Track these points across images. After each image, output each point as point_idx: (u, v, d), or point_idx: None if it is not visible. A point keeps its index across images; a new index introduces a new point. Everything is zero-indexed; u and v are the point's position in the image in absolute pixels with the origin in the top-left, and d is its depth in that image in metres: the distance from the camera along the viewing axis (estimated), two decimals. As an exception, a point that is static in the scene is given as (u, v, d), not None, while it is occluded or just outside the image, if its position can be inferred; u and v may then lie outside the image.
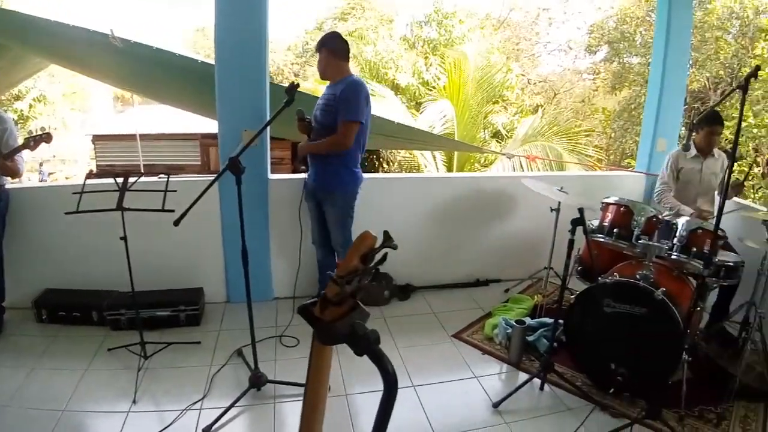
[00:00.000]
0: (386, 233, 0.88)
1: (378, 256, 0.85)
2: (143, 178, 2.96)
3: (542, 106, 12.69)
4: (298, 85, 2.49)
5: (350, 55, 3.21)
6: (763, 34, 5.26)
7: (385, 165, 10.76)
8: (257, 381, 2.68)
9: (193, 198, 2.32)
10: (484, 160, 9.54)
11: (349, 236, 3.25)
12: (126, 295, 2.96)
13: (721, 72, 9.76)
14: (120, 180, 2.79)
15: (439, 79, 9.98)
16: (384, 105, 9.20)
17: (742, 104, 2.22)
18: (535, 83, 14.85)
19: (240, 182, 2.42)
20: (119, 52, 3.69)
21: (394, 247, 0.87)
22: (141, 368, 2.83)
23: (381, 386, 2.70)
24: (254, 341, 2.71)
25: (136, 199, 2.74)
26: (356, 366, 2.96)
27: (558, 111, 12.98)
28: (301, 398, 2.74)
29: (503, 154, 8.33)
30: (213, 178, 2.47)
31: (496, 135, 11.11)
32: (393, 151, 10.45)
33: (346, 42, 3.17)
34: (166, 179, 2.81)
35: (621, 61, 12.46)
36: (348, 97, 2.95)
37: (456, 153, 9.37)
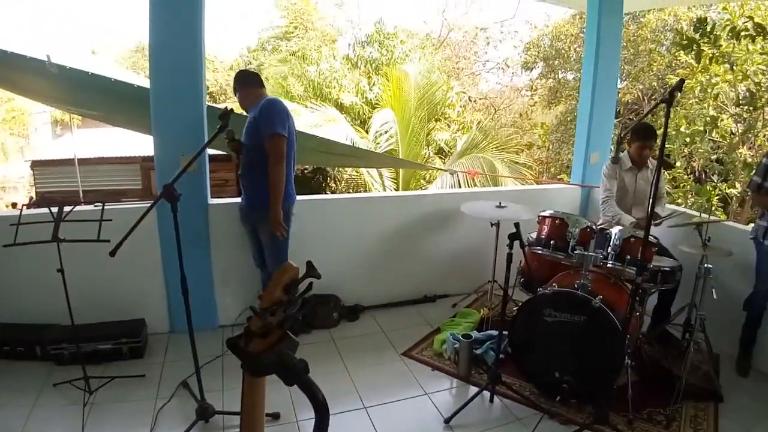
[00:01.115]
0: (309, 263, 0.88)
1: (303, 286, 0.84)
2: (79, 207, 2.86)
3: (481, 122, 13.01)
4: (232, 110, 2.47)
5: (262, 80, 3.35)
6: (692, 44, 5.60)
7: (332, 184, 10.76)
8: (204, 413, 2.60)
9: (131, 226, 2.25)
10: (429, 177, 9.69)
11: (284, 258, 3.19)
12: (68, 329, 2.85)
13: (655, 83, 10.27)
14: (55, 210, 2.69)
15: (381, 99, 10.12)
16: (332, 125, 9.25)
17: (667, 117, 2.34)
18: (475, 100, 15.25)
19: (176, 210, 2.36)
20: (57, 78, 3.62)
21: (318, 277, 0.87)
22: (87, 403, 2.72)
23: (334, 410, 2.67)
24: (199, 372, 2.63)
25: (73, 229, 2.64)
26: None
27: (495, 125, 13.38)
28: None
29: (446, 170, 8.50)
30: (149, 205, 2.40)
31: (440, 152, 11.32)
32: (340, 169, 10.47)
33: (254, 73, 3.45)
34: (101, 208, 2.72)
35: (556, 77, 12.99)
36: (265, 114, 3.00)
37: (402, 170, 9.49)
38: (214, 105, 3.77)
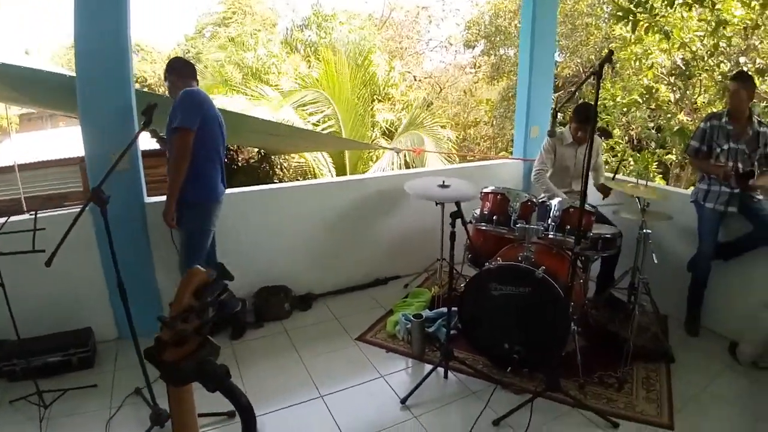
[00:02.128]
0: (221, 265, 0.85)
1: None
2: (15, 217, 2.79)
3: (425, 99, 13.07)
4: (155, 105, 2.38)
5: (195, 71, 3.22)
6: (628, 15, 5.74)
7: (279, 172, 10.59)
8: (159, 418, 2.54)
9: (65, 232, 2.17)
10: (376, 158, 9.68)
11: (192, 262, 3.04)
12: (15, 344, 2.77)
13: (593, 57, 10.55)
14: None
15: (320, 82, 10.00)
16: (269, 109, 9.07)
17: (598, 89, 2.40)
18: (420, 80, 15.28)
19: (105, 213, 2.27)
20: None
21: (231, 279, 0.84)
22: (43, 418, 2.65)
23: (290, 402, 2.66)
24: (148, 379, 2.55)
25: (11, 240, 2.52)
26: (262, 387, 2.92)
27: (442, 103, 13.46)
28: (206, 428, 2.63)
29: (390, 149, 8.51)
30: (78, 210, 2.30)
31: (385, 133, 11.31)
32: (286, 157, 10.32)
33: (187, 62, 3.27)
34: (34, 217, 2.60)
35: (497, 53, 13.14)
36: (176, 106, 2.91)
37: (348, 154, 9.43)
38: (144, 91, 3.67)
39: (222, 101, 9.14)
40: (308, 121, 9.30)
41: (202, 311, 0.81)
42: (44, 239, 2.42)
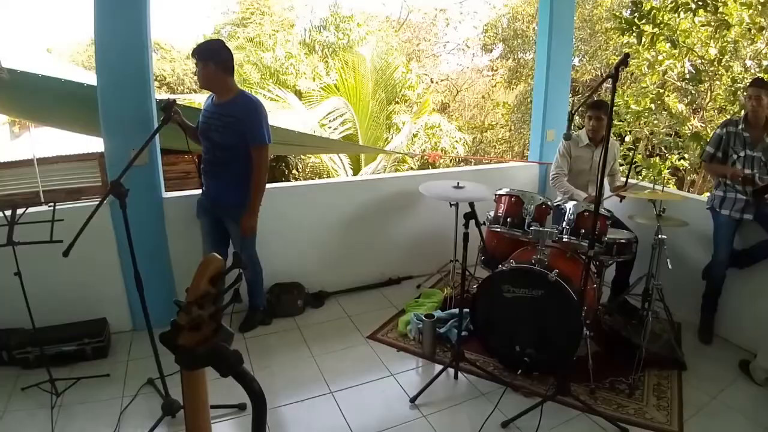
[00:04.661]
0: (236, 254, 0.88)
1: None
2: (33, 209, 2.81)
3: (448, 104, 13.09)
4: (174, 102, 2.42)
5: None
6: (632, 26, 5.72)
7: (295, 172, 10.66)
8: (170, 408, 2.58)
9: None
10: (393, 159, 9.69)
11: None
12: (30, 332, 2.81)
13: (612, 60, 10.46)
14: (8, 213, 2.62)
15: (338, 83, 10.00)
16: (288, 112, 9.13)
17: (613, 91, 2.39)
18: (437, 82, 15.28)
19: (125, 206, 2.31)
20: (8, 84, 3.48)
21: (245, 268, 0.87)
22: (54, 406, 2.69)
23: (301, 397, 2.69)
24: (161, 369, 2.59)
25: (28, 231, 2.57)
26: (273, 381, 2.94)
27: (459, 107, 13.43)
28: (219, 420, 2.66)
29: (405, 154, 8.51)
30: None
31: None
32: (302, 157, 10.38)
33: (230, 52, 3.02)
34: (52, 208, 2.65)
35: (515, 57, 13.09)
36: (252, 119, 2.93)
37: (363, 155, 9.46)
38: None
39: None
40: (325, 125, 9.32)
41: (218, 298, 0.84)
42: (63, 231, 2.46)
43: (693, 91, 7.06)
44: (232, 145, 2.96)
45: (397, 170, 9.13)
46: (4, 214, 2.63)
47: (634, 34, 5.73)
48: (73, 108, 4.05)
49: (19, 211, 2.66)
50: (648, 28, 5.77)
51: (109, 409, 2.71)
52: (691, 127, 7.09)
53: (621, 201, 3.51)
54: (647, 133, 7.98)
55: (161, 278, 3.40)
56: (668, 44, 6.11)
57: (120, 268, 3.37)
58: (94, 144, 9.35)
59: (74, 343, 3.13)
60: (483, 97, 14.56)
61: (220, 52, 2.92)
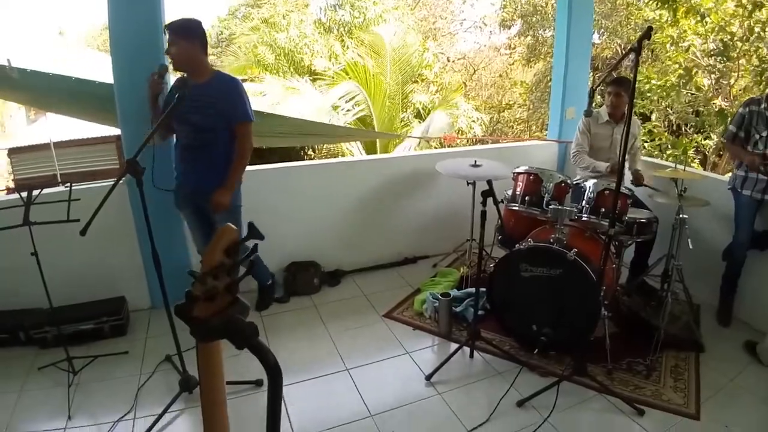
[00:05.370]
0: (251, 224, 0.86)
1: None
2: (48, 189, 2.81)
3: (463, 84, 12.88)
4: (188, 79, 2.39)
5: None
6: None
7: (311, 152, 10.64)
8: (187, 384, 2.62)
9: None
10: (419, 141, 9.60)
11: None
12: (48, 312, 2.82)
13: (633, 37, 10.18)
14: (24, 194, 2.63)
15: (357, 63, 9.87)
16: (299, 97, 9.07)
17: (636, 65, 2.32)
18: (454, 61, 15.04)
19: (141, 184, 2.31)
20: (18, 82, 3.50)
21: (261, 238, 0.85)
22: (71, 384, 2.73)
23: (317, 373, 2.71)
24: (179, 345, 2.62)
25: (44, 211, 2.60)
26: (290, 358, 2.97)
27: (476, 86, 13.23)
28: (235, 396, 2.69)
29: (421, 138, 8.42)
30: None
31: (418, 115, 11.19)
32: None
33: (205, 31, 2.85)
34: (69, 189, 2.66)
35: (534, 34, 12.82)
36: (233, 98, 2.82)
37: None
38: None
39: (255, 90, 9.17)
40: (338, 107, 9.24)
41: (233, 269, 0.82)
42: (80, 211, 2.47)
43: (720, 68, 6.87)
44: (214, 126, 2.82)
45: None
46: (20, 194, 2.65)
47: (668, 7, 5.57)
48: (85, 102, 4.04)
49: (35, 192, 2.66)
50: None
51: (126, 386, 2.75)
52: (714, 105, 6.92)
53: (637, 186, 3.44)
54: (669, 110, 7.81)
55: (179, 256, 3.43)
56: (697, 18, 5.93)
57: (138, 247, 3.41)
58: (109, 128, 9.43)
59: (92, 322, 3.17)
60: (500, 75, 14.31)
61: (200, 28, 2.77)
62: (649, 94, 7.20)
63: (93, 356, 2.94)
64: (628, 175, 3.47)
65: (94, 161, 10.49)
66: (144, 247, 3.40)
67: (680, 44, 6.67)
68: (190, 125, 2.83)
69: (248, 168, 3.06)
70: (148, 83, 2.72)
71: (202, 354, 0.90)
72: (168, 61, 2.80)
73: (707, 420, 2.47)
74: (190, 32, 2.72)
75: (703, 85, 7.01)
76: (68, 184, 2.74)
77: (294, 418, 2.49)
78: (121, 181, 2.44)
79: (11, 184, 11.67)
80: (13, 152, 11.04)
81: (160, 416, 2.45)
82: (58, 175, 8.38)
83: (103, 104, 3.41)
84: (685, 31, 6.52)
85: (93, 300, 3.31)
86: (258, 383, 2.68)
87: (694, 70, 6.91)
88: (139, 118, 3.12)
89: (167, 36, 2.69)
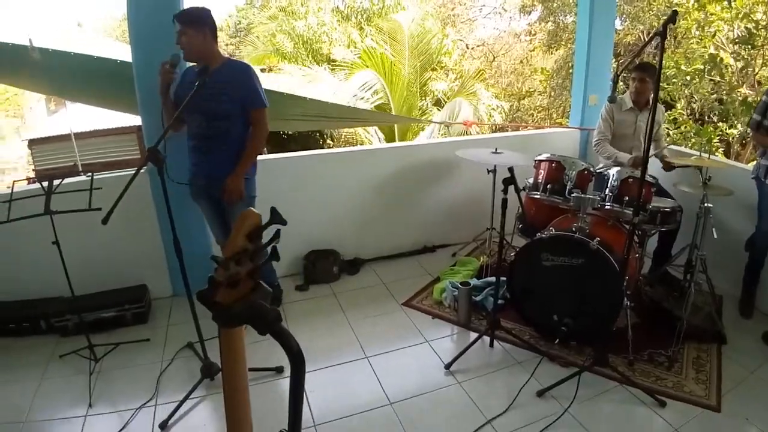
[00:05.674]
0: (273, 209, 0.85)
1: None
2: (69, 179, 2.83)
3: (483, 70, 12.73)
4: (208, 67, 2.39)
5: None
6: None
7: (330, 141, 10.64)
8: (209, 371, 2.65)
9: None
10: (426, 127, 9.56)
11: None
12: (70, 300, 2.85)
13: (656, 23, 9.96)
14: (45, 183, 2.66)
15: (374, 50, 9.80)
16: (318, 84, 9.05)
17: (662, 50, 2.26)
18: (473, 48, 14.88)
19: (162, 172, 2.32)
20: (40, 63, 3.49)
21: (284, 223, 0.84)
22: (93, 371, 2.75)
23: (337, 361, 2.72)
24: (200, 332, 2.65)
25: (65, 201, 2.63)
26: (309, 346, 2.98)
27: (495, 73, 13.06)
28: (256, 383, 2.72)
29: (441, 123, 8.35)
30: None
31: (438, 102, 11.09)
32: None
33: (214, 20, 2.79)
34: (90, 178, 2.68)
35: (555, 20, 12.60)
36: (247, 84, 2.76)
37: (396, 125, 9.35)
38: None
39: (271, 81, 9.17)
40: (356, 95, 9.21)
41: (255, 255, 0.82)
42: (101, 200, 2.49)
43: (745, 56, 6.69)
44: (229, 113, 2.77)
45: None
46: (41, 184, 2.66)
47: None
48: (107, 85, 4.02)
49: (56, 181, 2.68)
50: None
51: (148, 373, 2.78)
52: (739, 94, 6.75)
53: (667, 171, 3.37)
54: (695, 98, 7.64)
55: (201, 244, 3.45)
56: (723, 4, 5.78)
57: (160, 236, 3.44)
58: (132, 117, 9.52)
59: (114, 310, 3.20)
60: (521, 62, 14.11)
61: (209, 17, 2.70)
62: (674, 80, 7.05)
63: (114, 344, 2.98)
64: (653, 163, 3.39)
65: (115, 151, 10.61)
66: (165, 236, 3.42)
67: (706, 29, 6.50)
68: (202, 114, 2.77)
69: (268, 156, 3.06)
70: (159, 73, 2.67)
71: (224, 340, 0.90)
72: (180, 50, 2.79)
73: (728, 412, 2.43)
74: (199, 21, 2.65)
75: (731, 65, 6.83)
76: (89, 174, 2.76)
77: (314, 406, 2.50)
78: (142, 170, 2.46)
79: (32, 175, 11.88)
80: (33, 143, 11.22)
81: (182, 402, 2.48)
82: (79, 165, 8.49)
83: (123, 86, 3.39)
84: (712, 14, 6.35)
85: (115, 288, 3.35)
86: (278, 370, 2.70)
87: (719, 56, 6.74)
88: (159, 108, 3.14)
89: (176, 26, 2.64)
